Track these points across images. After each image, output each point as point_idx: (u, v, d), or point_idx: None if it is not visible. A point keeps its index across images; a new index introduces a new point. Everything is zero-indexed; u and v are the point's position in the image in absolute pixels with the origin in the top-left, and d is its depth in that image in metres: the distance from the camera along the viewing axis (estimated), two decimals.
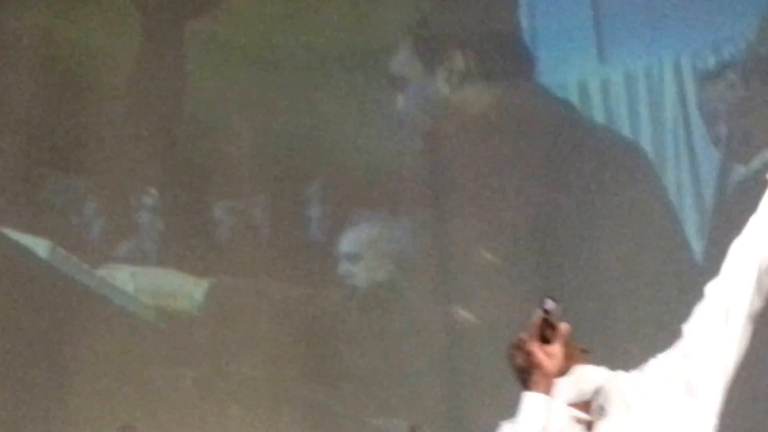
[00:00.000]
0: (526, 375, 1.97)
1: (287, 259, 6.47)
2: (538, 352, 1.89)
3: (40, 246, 6.13)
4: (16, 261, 6.22)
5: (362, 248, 6.39)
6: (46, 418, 5.74)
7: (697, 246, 5.98)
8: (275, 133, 6.52)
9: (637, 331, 5.46)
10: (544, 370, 1.88)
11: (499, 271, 6.00)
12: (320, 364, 6.32)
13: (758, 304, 1.90)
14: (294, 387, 6.21)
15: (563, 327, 1.91)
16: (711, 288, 1.92)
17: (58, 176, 6.35)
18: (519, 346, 2.04)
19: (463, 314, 6.00)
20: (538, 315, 1.88)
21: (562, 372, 1.92)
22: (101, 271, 6.26)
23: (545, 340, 1.90)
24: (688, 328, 1.93)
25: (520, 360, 2.05)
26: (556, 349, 1.88)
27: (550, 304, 1.88)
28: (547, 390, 1.87)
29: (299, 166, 6.52)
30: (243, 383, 6.17)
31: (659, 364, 1.94)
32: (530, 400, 1.87)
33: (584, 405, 1.95)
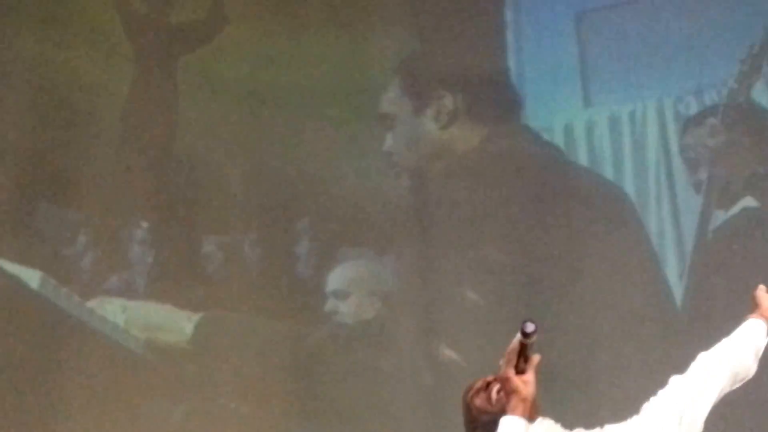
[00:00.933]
0: (485, 415, 2.12)
1: (276, 294, 6.54)
2: (515, 378, 1.94)
3: (31, 276, 6.16)
4: (7, 291, 6.20)
5: (349, 286, 6.46)
6: None
7: (677, 291, 6.14)
8: (265, 169, 6.64)
9: (618, 373, 5.59)
10: (521, 396, 1.93)
11: (483, 312, 6.10)
12: (307, 399, 6.35)
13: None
14: (281, 422, 6.26)
15: (536, 357, 1.95)
16: (676, 384, 2.14)
17: (51, 207, 6.43)
18: (481, 388, 2.22)
19: (448, 353, 6.10)
20: (516, 340, 1.93)
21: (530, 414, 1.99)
22: (92, 303, 6.27)
23: (518, 371, 1.94)
24: (648, 411, 2.14)
25: (479, 401, 2.20)
26: (531, 377, 1.94)
27: (530, 327, 1.89)
28: (525, 414, 1.93)
29: (288, 202, 6.60)
30: (231, 418, 6.21)
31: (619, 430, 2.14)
32: (510, 423, 1.94)
33: None
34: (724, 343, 2.26)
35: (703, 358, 2.21)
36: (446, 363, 6.09)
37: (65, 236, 6.44)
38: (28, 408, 5.90)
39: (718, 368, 2.21)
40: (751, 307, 2.36)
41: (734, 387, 2.28)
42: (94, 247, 6.51)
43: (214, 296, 6.54)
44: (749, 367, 2.30)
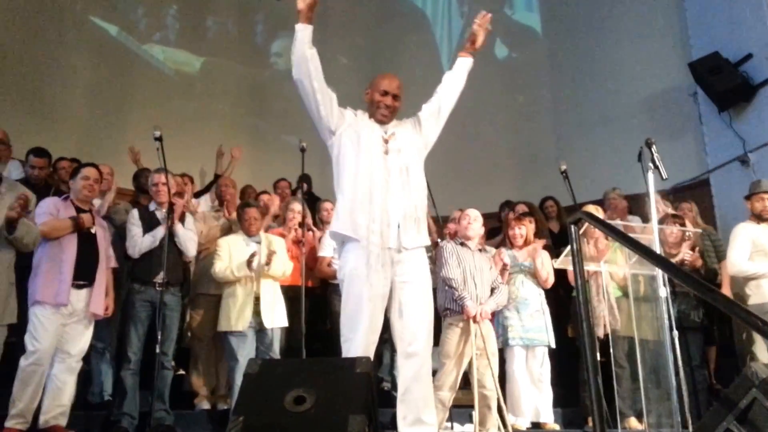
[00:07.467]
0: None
1: (243, 52, 10.22)
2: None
3: (112, 29, 9.23)
4: (99, 37, 9.05)
5: (282, 50, 10.12)
6: (116, 122, 8.52)
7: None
8: None
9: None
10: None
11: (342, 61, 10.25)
12: (259, 105, 10.04)
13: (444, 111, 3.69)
14: (244, 117, 9.97)
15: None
16: (434, 97, 3.64)
17: None
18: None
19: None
20: None
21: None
22: (146, 47, 9.57)
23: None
24: (425, 106, 3.65)
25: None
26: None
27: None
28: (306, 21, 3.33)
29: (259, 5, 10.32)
30: (219, 114, 9.62)
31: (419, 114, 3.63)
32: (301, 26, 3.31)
33: None
34: (454, 69, 3.69)
35: (445, 77, 3.69)
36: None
37: (133, 6, 9.58)
38: (112, 100, 8.74)
39: (453, 81, 3.66)
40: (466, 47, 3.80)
41: (459, 91, 3.65)
42: (147, 16, 9.69)
43: (210, 50, 10.04)
44: (464, 79, 3.73)
